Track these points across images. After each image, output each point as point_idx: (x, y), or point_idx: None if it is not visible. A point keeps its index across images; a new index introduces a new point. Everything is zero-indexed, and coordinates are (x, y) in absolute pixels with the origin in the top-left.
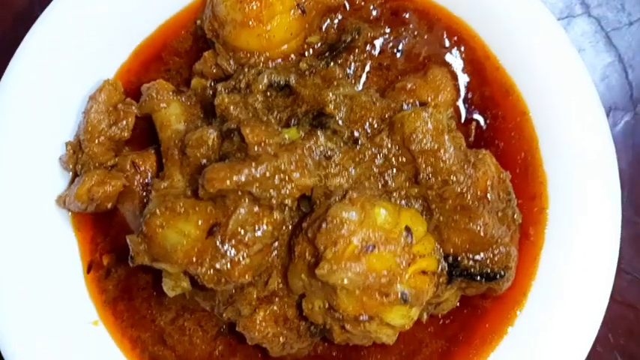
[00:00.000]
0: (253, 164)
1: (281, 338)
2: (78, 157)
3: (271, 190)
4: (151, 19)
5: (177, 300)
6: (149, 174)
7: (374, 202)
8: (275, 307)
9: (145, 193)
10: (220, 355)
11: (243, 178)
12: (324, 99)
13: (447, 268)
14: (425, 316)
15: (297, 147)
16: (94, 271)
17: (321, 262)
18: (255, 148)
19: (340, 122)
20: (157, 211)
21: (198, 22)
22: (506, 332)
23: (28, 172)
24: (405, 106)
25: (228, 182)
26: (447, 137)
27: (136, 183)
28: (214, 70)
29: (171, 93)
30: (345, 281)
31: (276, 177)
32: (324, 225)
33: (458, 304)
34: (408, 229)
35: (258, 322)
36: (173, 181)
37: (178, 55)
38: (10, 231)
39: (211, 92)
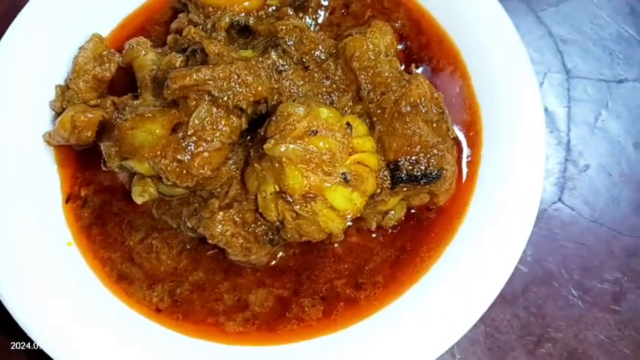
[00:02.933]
0: (211, 66)
1: (240, 239)
2: (65, 96)
3: (228, 92)
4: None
5: (147, 222)
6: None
7: (319, 104)
8: (233, 211)
9: None
10: (184, 269)
11: (201, 76)
12: (276, 28)
13: (389, 175)
14: (374, 225)
15: (251, 59)
16: (72, 202)
17: (267, 141)
18: (214, 58)
19: (290, 44)
20: (128, 116)
21: None
22: (451, 240)
23: (21, 115)
24: None
25: (188, 79)
26: (382, 57)
27: (114, 117)
28: (187, 25)
29: (149, 45)
30: (290, 152)
31: (232, 80)
32: (273, 118)
33: (404, 218)
34: (348, 124)
35: (218, 220)
36: (145, 100)
37: (159, 25)
38: (1, 166)
39: (182, 41)
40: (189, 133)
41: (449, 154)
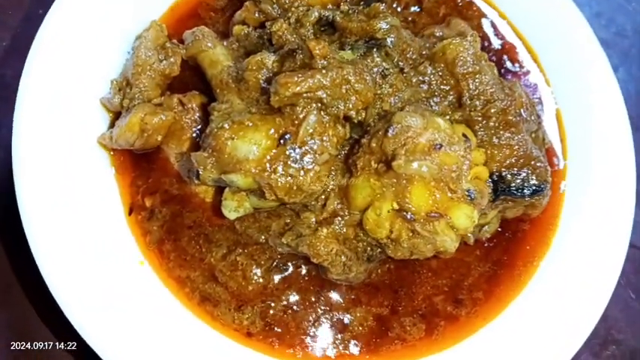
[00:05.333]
0: (323, 71)
1: (343, 257)
2: (125, 93)
3: (339, 100)
4: None
5: (228, 236)
6: (196, 111)
7: (431, 113)
8: (336, 227)
9: (193, 129)
10: (275, 288)
11: (315, 83)
12: (374, 27)
13: (492, 186)
14: (472, 239)
15: (357, 62)
16: (136, 213)
17: (397, 157)
18: (320, 61)
19: (391, 47)
20: (225, 124)
21: None
22: (546, 253)
23: (68, 114)
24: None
25: (303, 84)
26: (484, 62)
27: (184, 119)
28: (256, 16)
29: (215, 37)
30: (424, 169)
31: (343, 87)
32: (390, 130)
33: (499, 229)
34: (465, 136)
35: (322, 237)
36: (233, 104)
37: (214, 11)
38: (51, 173)
39: (256, 35)
40: (298, 144)
41: (548, 165)
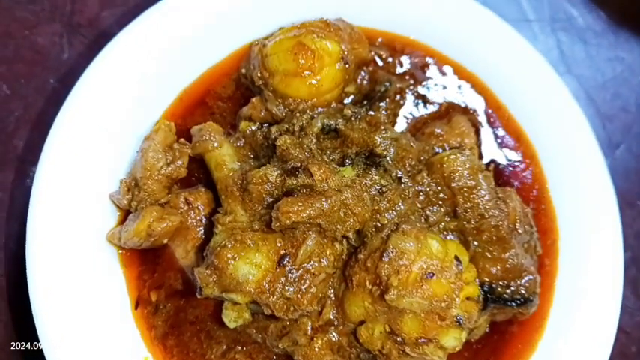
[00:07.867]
0: (323, 199)
1: None
2: (134, 195)
3: (337, 224)
4: (195, 67)
5: (228, 334)
6: (202, 211)
7: (425, 234)
8: (331, 336)
9: (199, 229)
10: None
11: (314, 212)
12: (374, 142)
13: (482, 295)
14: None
15: (356, 183)
16: (142, 307)
17: (390, 289)
18: (320, 185)
19: (390, 162)
20: (228, 244)
21: (243, 70)
22: (531, 354)
23: (77, 209)
24: (436, 149)
25: (303, 214)
26: (481, 176)
27: (189, 219)
28: (262, 114)
29: (222, 134)
30: (415, 305)
31: (341, 211)
32: (385, 256)
33: (488, 330)
34: (457, 259)
35: (316, 349)
36: (236, 215)
37: (222, 100)
38: (60, 266)
39: (262, 135)
40: (297, 266)
41: (539, 276)
